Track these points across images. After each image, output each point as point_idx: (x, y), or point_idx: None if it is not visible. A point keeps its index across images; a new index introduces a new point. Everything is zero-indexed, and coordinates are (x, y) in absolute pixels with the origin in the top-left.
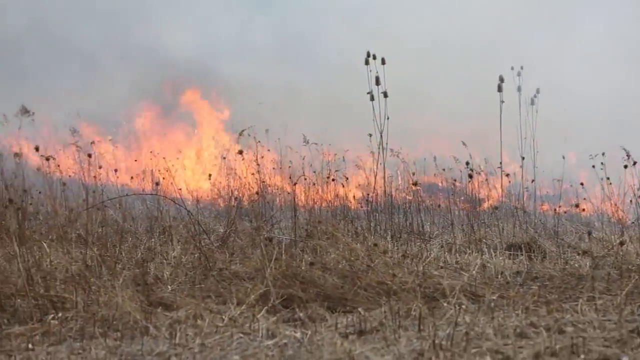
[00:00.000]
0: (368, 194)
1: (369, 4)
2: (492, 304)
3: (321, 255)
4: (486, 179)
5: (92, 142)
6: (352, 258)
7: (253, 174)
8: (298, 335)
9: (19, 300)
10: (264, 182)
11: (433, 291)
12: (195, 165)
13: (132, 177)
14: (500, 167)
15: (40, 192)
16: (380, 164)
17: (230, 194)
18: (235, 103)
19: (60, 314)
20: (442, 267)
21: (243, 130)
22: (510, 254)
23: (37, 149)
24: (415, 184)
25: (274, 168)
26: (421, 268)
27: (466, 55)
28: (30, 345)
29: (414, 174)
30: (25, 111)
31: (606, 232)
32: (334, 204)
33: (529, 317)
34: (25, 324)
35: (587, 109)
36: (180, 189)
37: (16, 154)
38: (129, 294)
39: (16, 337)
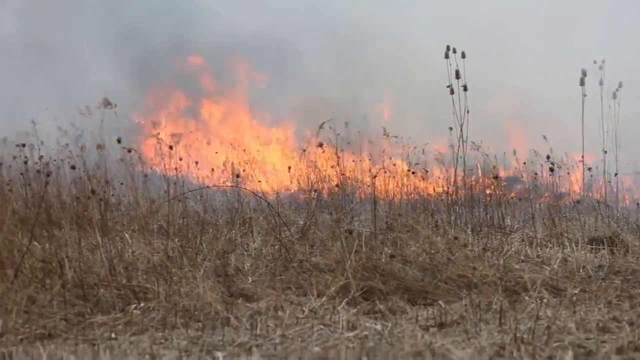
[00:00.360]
0: (448, 187)
1: None
2: (574, 298)
3: (401, 247)
4: (567, 173)
5: (173, 135)
6: (433, 251)
7: (333, 166)
8: (378, 327)
9: (101, 290)
10: (343, 174)
11: (514, 285)
12: (276, 157)
13: (212, 169)
14: (582, 161)
15: (122, 184)
16: (460, 157)
17: (310, 187)
18: (313, 94)
19: (142, 304)
20: (523, 261)
21: (323, 123)
22: (592, 248)
23: (119, 140)
24: (496, 177)
25: (353, 161)
26: (502, 261)
27: (537, 43)
28: (113, 335)
29: (494, 167)
30: (107, 103)
31: None
32: (413, 197)
33: (612, 312)
34: (108, 314)
35: None
36: (259, 181)
37: (99, 146)
38: (210, 284)
39: (99, 326)
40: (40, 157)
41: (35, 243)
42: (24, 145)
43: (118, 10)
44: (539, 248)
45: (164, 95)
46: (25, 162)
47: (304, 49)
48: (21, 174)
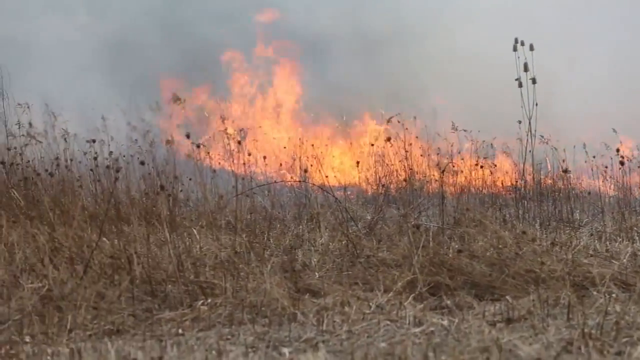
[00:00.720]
0: (516, 182)
1: None
2: None
3: (469, 242)
4: (638, 166)
5: (241, 130)
6: (500, 246)
7: (401, 161)
8: (445, 322)
9: (169, 285)
10: (411, 169)
11: (582, 280)
12: (344, 152)
13: (280, 164)
14: None
15: (190, 179)
16: (529, 151)
17: (378, 181)
18: (380, 86)
19: (209, 300)
20: (591, 256)
21: (391, 117)
22: None
23: (187, 136)
24: (565, 171)
25: (421, 155)
26: (570, 256)
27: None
28: (180, 331)
29: (564, 161)
30: (176, 99)
31: None
32: (482, 192)
33: None
34: (176, 310)
35: None
36: (327, 176)
37: (167, 141)
38: (277, 280)
39: (167, 322)
40: (110, 153)
41: (105, 239)
42: (94, 141)
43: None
44: (608, 242)
45: (230, 90)
46: (95, 158)
47: (376, 43)
48: (91, 169)
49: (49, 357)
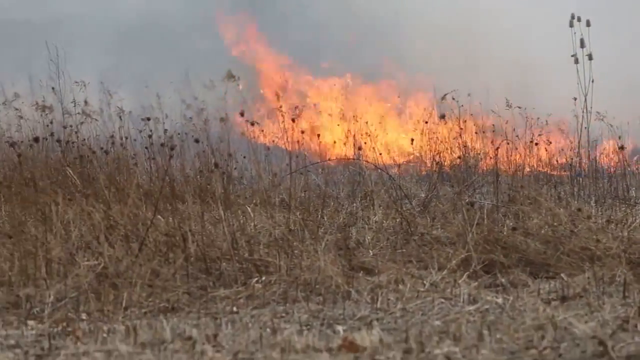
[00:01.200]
0: (571, 159)
1: None
2: None
3: (523, 220)
4: None
5: (296, 107)
6: (555, 223)
7: (455, 138)
8: (500, 300)
9: (224, 263)
10: (466, 146)
11: (638, 257)
12: (398, 129)
13: (334, 142)
14: None
15: (244, 157)
16: (585, 127)
17: (432, 159)
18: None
19: (263, 278)
20: None
21: (445, 95)
22: None
23: (242, 114)
24: (621, 147)
25: (476, 132)
26: (626, 234)
27: None
28: (234, 308)
29: (620, 137)
30: (231, 76)
31: None
32: (536, 169)
33: None
34: (230, 287)
35: None
36: (381, 154)
37: (222, 119)
38: (331, 258)
39: (221, 299)
40: (165, 131)
41: (159, 217)
42: (149, 119)
43: None
44: None
45: (286, 67)
46: (150, 136)
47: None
48: (146, 147)
49: (104, 334)
